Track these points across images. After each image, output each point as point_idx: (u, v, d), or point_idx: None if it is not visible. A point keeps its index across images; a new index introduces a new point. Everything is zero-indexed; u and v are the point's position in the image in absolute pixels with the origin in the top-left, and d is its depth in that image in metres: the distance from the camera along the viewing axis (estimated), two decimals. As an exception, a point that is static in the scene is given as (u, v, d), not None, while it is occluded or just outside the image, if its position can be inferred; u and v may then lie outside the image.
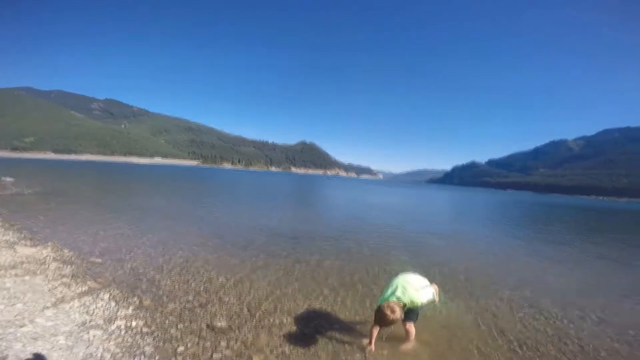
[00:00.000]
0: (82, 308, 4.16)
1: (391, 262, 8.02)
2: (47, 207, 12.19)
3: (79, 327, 3.65)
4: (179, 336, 3.81)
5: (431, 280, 4.28)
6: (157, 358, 3.34)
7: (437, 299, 4.18)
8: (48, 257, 6.18)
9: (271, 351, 3.70)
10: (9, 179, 20.45)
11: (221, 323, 4.20)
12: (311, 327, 4.37)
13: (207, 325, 4.13)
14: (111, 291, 4.87)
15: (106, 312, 4.14)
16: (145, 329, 3.86)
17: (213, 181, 46.14)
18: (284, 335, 4.06)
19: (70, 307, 4.12)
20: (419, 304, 3.80)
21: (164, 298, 4.86)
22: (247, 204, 19.77)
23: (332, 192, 39.39)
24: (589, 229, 20.55)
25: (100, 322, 3.86)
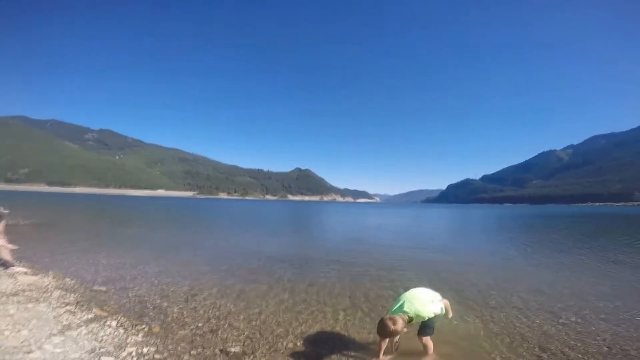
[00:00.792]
0: (90, 335, 4.01)
1: (397, 280, 7.91)
2: (45, 238, 12.03)
3: (89, 354, 3.50)
4: (193, 362, 3.66)
5: (443, 295, 4.25)
6: (172, 385, 3.19)
7: (449, 314, 4.19)
8: (50, 285, 6.03)
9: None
10: (4, 211, 20.15)
11: (235, 348, 4.07)
12: (326, 348, 4.25)
13: (221, 351, 3.99)
14: (118, 318, 4.71)
15: (115, 339, 3.99)
16: (157, 356, 3.71)
17: (210, 212, 45.92)
18: (299, 358, 3.94)
19: (77, 334, 3.97)
20: (426, 317, 3.81)
21: (173, 325, 4.71)
22: (246, 232, 19.59)
23: (329, 218, 39.19)
24: (591, 235, 20.58)
25: (111, 348, 3.71)
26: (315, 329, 4.91)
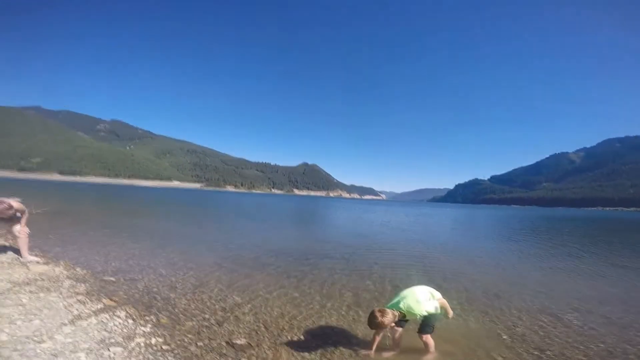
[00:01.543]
0: (99, 325, 4.05)
1: (400, 278, 7.89)
2: (56, 227, 12.17)
3: (99, 344, 3.55)
4: (200, 354, 3.69)
5: (444, 294, 4.31)
6: (179, 376, 3.23)
7: (450, 314, 4.21)
8: (61, 275, 6.10)
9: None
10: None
11: (240, 340, 4.10)
12: (329, 342, 4.28)
13: (227, 343, 4.02)
14: (127, 309, 4.76)
15: (124, 330, 4.03)
16: (165, 347, 3.74)
17: (217, 204, 46.20)
18: (303, 352, 3.96)
19: (87, 324, 4.02)
20: (417, 314, 3.85)
21: (181, 316, 4.76)
22: (253, 225, 19.68)
23: (335, 213, 39.22)
24: (598, 239, 20.22)
25: (120, 339, 3.75)
26: (320, 323, 4.93)
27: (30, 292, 4.94)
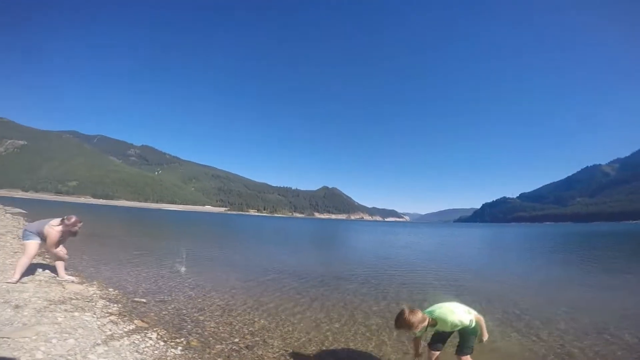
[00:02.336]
0: (132, 346, 3.99)
1: (427, 300, 7.49)
2: (89, 248, 12.47)
3: (132, 366, 3.47)
4: (231, 379, 3.54)
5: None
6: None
7: (484, 335, 3.81)
8: (95, 295, 6.15)
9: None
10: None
11: (271, 366, 3.92)
12: None
13: (257, 368, 3.87)
14: (158, 331, 4.70)
15: (156, 352, 3.95)
16: (196, 371, 3.62)
17: (240, 227, 46.55)
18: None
19: (120, 345, 3.96)
20: (449, 323, 3.56)
21: (210, 339, 4.64)
22: (276, 249, 19.57)
23: (357, 236, 38.53)
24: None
25: (152, 361, 3.66)
26: (347, 347, 4.75)
27: (66, 310, 4.97)
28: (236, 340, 4.72)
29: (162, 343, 4.25)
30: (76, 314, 4.91)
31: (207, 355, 4.09)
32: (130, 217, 49.67)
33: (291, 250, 18.62)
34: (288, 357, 4.27)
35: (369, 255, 17.48)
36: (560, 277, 11.91)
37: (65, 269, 7.22)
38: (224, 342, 4.58)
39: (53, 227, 6.48)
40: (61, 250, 6.91)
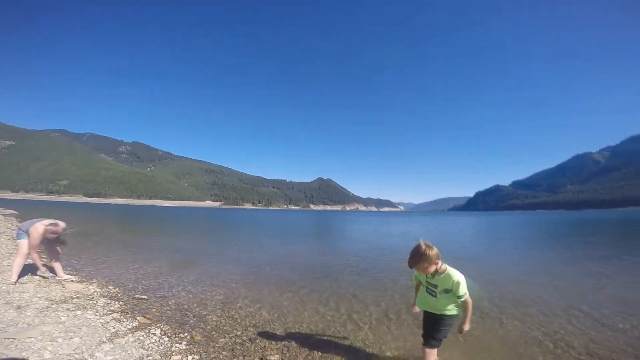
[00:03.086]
0: (137, 343, 4.06)
1: None
2: (86, 246, 12.47)
3: (139, 362, 3.54)
4: (237, 371, 3.63)
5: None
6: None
7: (465, 326, 3.51)
8: (95, 293, 6.20)
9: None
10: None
11: (274, 357, 4.03)
12: (361, 356, 4.19)
13: (261, 359, 3.96)
14: (161, 327, 4.76)
15: (161, 347, 4.02)
16: (202, 364, 3.71)
17: (236, 221, 46.50)
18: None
19: (125, 342, 4.03)
20: (454, 281, 3.34)
21: (214, 333, 4.72)
22: (273, 241, 19.65)
23: (352, 226, 38.77)
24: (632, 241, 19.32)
25: (158, 357, 3.74)
26: (349, 338, 4.82)
27: (68, 309, 5.02)
28: (239, 333, 4.79)
29: (166, 339, 4.32)
30: (79, 312, 4.96)
31: (212, 349, 4.15)
32: (124, 215, 49.39)
33: (287, 243, 18.71)
34: (290, 348, 4.34)
35: (364, 246, 17.63)
36: (556, 264, 12.20)
37: (64, 268, 7.24)
38: (227, 336, 4.65)
39: (37, 226, 6.41)
40: (53, 252, 6.92)
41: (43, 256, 8.52)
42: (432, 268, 3.39)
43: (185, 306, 5.91)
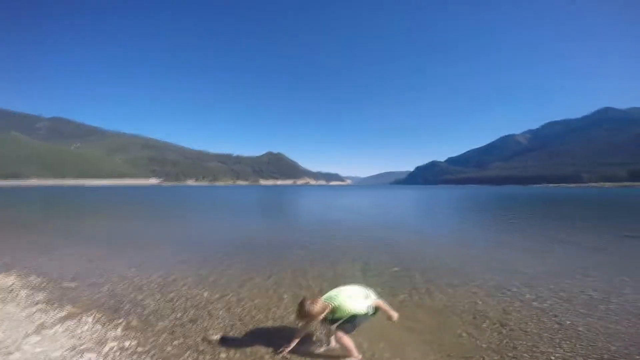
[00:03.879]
0: (67, 333, 4.03)
1: (369, 263, 8.28)
2: (2, 237, 11.48)
3: (71, 352, 3.56)
4: (177, 352, 3.79)
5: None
6: (157, 375, 3.31)
7: (393, 316, 3.97)
8: (14, 285, 5.90)
9: (271, 357, 3.77)
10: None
11: (216, 336, 4.22)
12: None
13: (203, 339, 4.13)
14: (94, 314, 4.73)
15: (94, 335, 4.04)
16: (140, 349, 3.81)
17: (178, 199, 44.87)
18: (280, 342, 4.09)
19: (54, 333, 3.99)
20: (346, 311, 3.69)
21: (151, 317, 4.78)
22: (218, 219, 19.47)
23: (300, 201, 39.42)
24: (544, 216, 21.95)
25: (92, 345, 3.77)
26: (292, 314, 5.06)
27: (-17, 305, 4.77)
28: (179, 315, 4.89)
29: (99, 326, 4.33)
30: (-4, 307, 4.73)
31: (150, 333, 4.24)
32: (46, 198, 45.38)
33: (232, 220, 18.64)
34: (234, 327, 4.53)
35: (311, 221, 18.18)
36: (478, 238, 13.73)
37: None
38: (166, 319, 4.74)
39: None
40: None
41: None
42: (319, 318, 3.69)
43: (119, 292, 5.86)
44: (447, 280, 6.83)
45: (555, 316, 5.01)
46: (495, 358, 3.84)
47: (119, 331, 4.22)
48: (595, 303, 5.54)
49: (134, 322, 4.56)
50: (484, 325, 4.69)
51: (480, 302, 5.60)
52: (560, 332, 4.47)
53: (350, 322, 3.76)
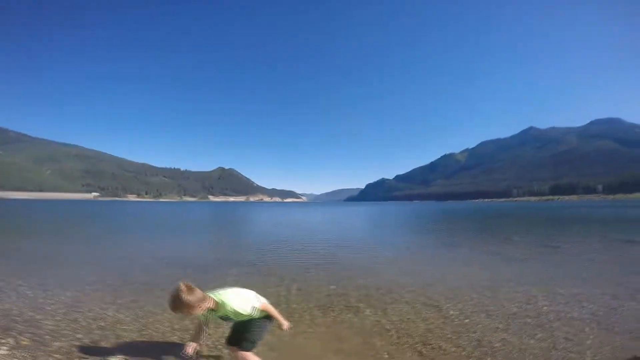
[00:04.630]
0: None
1: (308, 280, 8.44)
2: None
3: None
4: (67, 372, 3.74)
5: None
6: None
7: (283, 324, 3.96)
8: None
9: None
10: None
11: (117, 357, 4.10)
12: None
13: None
14: (-23, 334, 4.51)
15: (-27, 355, 3.89)
16: (24, 368, 3.73)
17: (111, 216, 42.37)
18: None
19: None
20: (231, 309, 3.43)
21: (47, 337, 4.64)
22: (150, 238, 18.64)
23: (249, 217, 38.75)
24: (476, 229, 23.83)
25: (-33, 365, 3.64)
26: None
27: None
28: (80, 336, 4.75)
29: (-19, 346, 4.16)
30: None
31: (41, 353, 4.12)
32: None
33: (168, 238, 18.01)
34: (141, 347, 4.42)
35: (257, 239, 18.02)
36: (415, 251, 14.61)
37: None
38: (64, 339, 4.60)
39: None
40: None
41: None
42: (197, 311, 3.27)
43: (15, 311, 5.61)
44: (379, 297, 6.98)
45: (474, 332, 5.12)
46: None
47: (4, 350, 4.09)
48: (513, 317, 5.78)
49: (25, 342, 4.41)
50: (406, 345, 4.72)
51: (407, 320, 5.71)
52: (478, 349, 4.56)
53: (247, 339, 3.63)
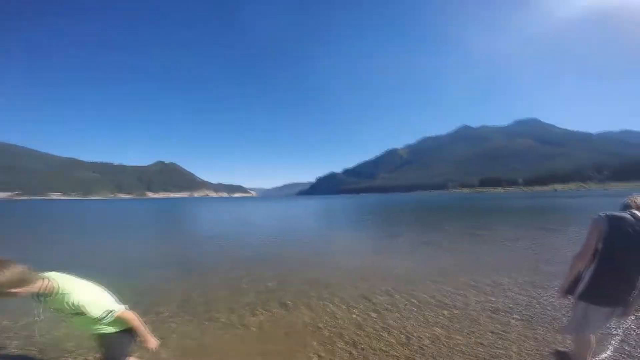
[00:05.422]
0: None
1: (248, 276, 8.05)
2: None
3: None
4: None
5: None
6: None
7: (149, 342, 3.02)
8: None
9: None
10: None
11: None
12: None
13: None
14: None
15: None
16: None
17: (30, 217, 38.67)
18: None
19: None
20: (74, 302, 2.52)
21: None
22: (80, 243, 17.22)
23: (190, 215, 37.42)
24: (415, 221, 24.84)
25: None
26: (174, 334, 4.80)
27: None
28: None
29: None
30: None
31: None
32: None
33: (91, 242, 16.69)
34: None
35: (201, 237, 17.29)
36: (357, 246, 15.03)
37: None
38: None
39: None
40: None
41: None
42: (19, 292, 2.32)
43: None
44: (317, 294, 6.81)
45: (404, 328, 5.04)
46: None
47: None
48: (442, 310, 5.77)
49: None
50: (338, 345, 4.53)
51: (339, 316, 5.59)
52: (407, 346, 4.45)
53: (113, 355, 2.91)
